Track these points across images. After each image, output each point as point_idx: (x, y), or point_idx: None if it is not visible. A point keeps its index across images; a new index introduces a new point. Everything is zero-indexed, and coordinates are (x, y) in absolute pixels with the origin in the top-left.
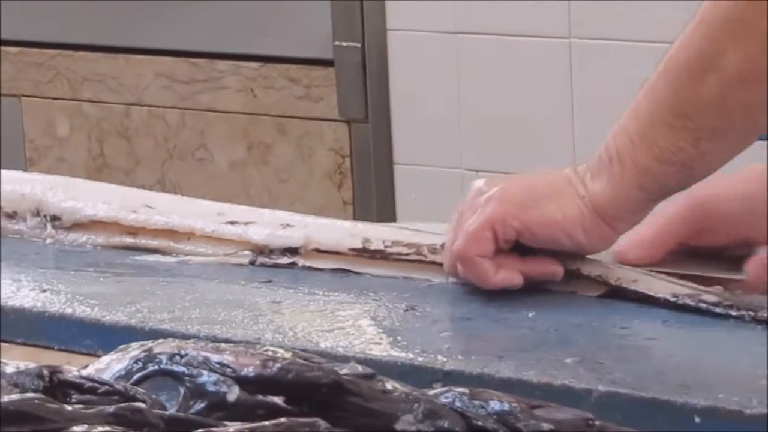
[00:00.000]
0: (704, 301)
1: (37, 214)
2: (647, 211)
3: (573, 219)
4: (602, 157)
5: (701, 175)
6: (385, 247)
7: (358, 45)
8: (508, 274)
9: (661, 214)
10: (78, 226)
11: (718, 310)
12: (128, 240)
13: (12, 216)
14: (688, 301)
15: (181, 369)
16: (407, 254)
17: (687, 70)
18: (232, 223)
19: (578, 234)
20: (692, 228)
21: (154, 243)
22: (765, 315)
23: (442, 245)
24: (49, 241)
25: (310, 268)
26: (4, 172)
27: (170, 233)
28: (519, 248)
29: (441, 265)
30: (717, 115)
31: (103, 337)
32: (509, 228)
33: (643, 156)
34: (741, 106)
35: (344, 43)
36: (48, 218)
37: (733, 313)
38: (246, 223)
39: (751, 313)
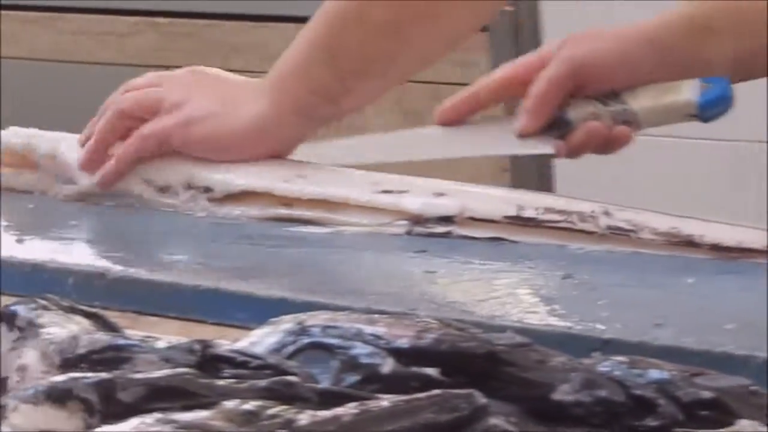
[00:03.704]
0: None
1: (189, 187)
2: (309, 132)
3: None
4: (263, 83)
5: (348, 109)
6: (538, 214)
7: (512, 9)
8: None
9: (541, 77)
10: (230, 197)
11: None
12: (282, 211)
13: (164, 190)
14: None
15: (334, 341)
16: (558, 221)
17: (340, 16)
18: (386, 192)
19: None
20: (572, 85)
21: (308, 214)
22: None
23: (592, 212)
24: (201, 214)
25: (465, 237)
26: None
27: (324, 203)
28: None
29: (591, 233)
30: (359, 60)
31: (256, 310)
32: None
33: (298, 87)
34: (381, 55)
35: None
36: (201, 190)
37: None
38: (400, 192)
39: None
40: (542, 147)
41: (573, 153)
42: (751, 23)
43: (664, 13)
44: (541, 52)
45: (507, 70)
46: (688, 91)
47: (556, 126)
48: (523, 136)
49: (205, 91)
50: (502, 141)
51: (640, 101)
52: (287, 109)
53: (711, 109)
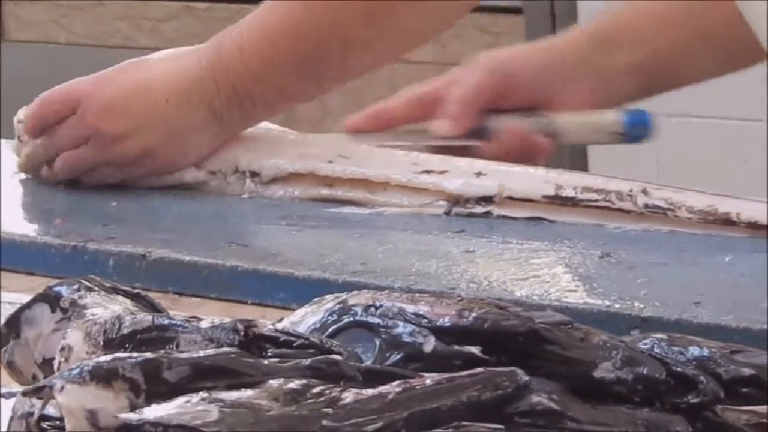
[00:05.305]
0: None
1: (236, 171)
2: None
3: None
4: (231, 96)
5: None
6: (576, 193)
7: None
8: None
9: (462, 83)
10: (276, 179)
11: None
12: (324, 191)
13: (213, 173)
14: None
15: (377, 320)
16: (596, 200)
17: (317, 36)
18: (426, 172)
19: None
20: (493, 93)
21: (349, 194)
22: None
23: (630, 191)
24: (245, 195)
25: (503, 217)
26: None
27: (365, 183)
28: None
29: (629, 212)
30: (340, 71)
31: (297, 290)
32: None
33: (272, 97)
34: (360, 65)
35: None
36: (247, 174)
37: None
38: (440, 172)
39: None
40: (466, 141)
41: (492, 157)
42: (645, 30)
43: (573, 29)
44: (453, 73)
45: (420, 88)
46: (612, 112)
47: (477, 136)
48: (438, 137)
49: (138, 117)
50: (424, 141)
51: (566, 118)
52: (250, 116)
53: (635, 128)
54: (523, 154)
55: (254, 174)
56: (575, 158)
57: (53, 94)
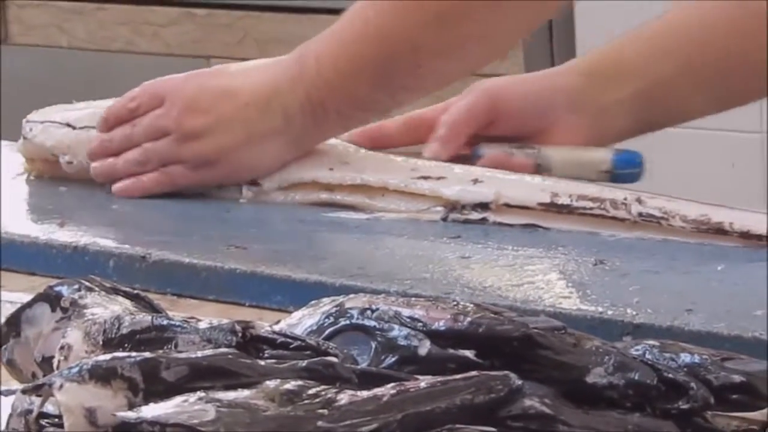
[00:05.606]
0: None
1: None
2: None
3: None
4: (305, 104)
5: (395, 110)
6: (572, 201)
7: None
8: None
9: (454, 107)
10: (278, 188)
11: None
12: (323, 196)
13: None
14: None
15: (372, 323)
16: (591, 209)
17: (387, 40)
18: (424, 177)
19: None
20: (485, 118)
21: (348, 199)
22: None
23: (624, 200)
24: (242, 200)
25: (499, 224)
26: None
27: (364, 189)
28: None
29: (623, 220)
30: (412, 79)
31: (294, 293)
32: None
33: (345, 106)
34: (432, 73)
35: None
36: (246, 184)
37: None
38: (438, 178)
39: None
40: None
41: None
42: (634, 65)
43: (569, 62)
44: (449, 100)
45: (417, 112)
46: (603, 150)
47: (464, 161)
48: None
49: (219, 116)
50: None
51: (555, 151)
52: (324, 126)
53: (624, 167)
54: None
55: (254, 183)
56: None
57: (142, 89)
